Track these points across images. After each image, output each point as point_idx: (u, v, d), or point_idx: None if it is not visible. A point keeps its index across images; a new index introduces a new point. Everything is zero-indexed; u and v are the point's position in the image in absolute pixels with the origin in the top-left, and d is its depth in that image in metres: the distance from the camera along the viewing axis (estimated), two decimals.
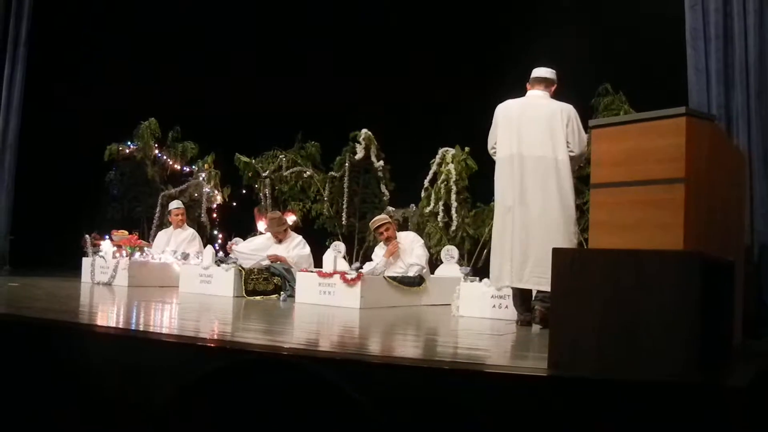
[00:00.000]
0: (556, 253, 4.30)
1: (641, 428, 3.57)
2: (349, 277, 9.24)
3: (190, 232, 12.80)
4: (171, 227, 12.91)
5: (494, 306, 8.35)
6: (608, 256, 4.27)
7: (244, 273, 10.29)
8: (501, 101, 7.85)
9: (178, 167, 16.08)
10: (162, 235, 12.91)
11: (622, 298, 3.96)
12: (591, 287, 4.07)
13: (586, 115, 7.58)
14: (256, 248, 11.21)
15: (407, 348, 5.80)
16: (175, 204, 13.04)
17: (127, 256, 11.55)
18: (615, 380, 3.76)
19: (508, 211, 7.43)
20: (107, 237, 12.08)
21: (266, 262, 10.73)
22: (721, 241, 5.36)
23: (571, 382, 3.90)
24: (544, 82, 7.72)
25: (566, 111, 7.36)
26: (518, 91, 7.89)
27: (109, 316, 7.36)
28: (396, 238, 10.43)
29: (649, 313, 3.86)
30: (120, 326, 6.16)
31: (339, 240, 13.43)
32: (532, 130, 7.38)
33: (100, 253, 11.68)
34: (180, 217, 12.77)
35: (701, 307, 3.74)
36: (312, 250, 11.21)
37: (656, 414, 3.58)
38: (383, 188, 14.39)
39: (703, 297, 3.76)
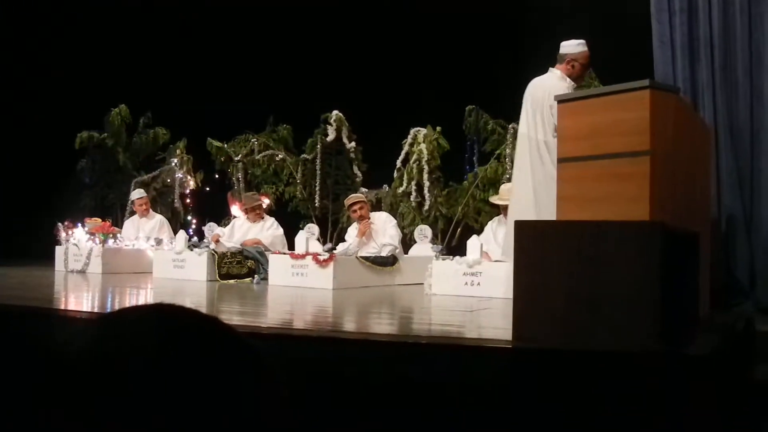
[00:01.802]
0: (519, 225, 4.34)
1: (605, 397, 3.61)
2: (321, 258, 9.25)
3: (157, 218, 12.76)
4: (137, 216, 12.84)
5: (466, 283, 8.39)
6: (570, 227, 4.32)
7: (217, 257, 10.28)
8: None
9: (150, 153, 16.02)
10: (129, 225, 12.81)
11: (585, 269, 3.99)
12: (554, 259, 4.10)
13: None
14: (239, 238, 11.21)
15: (381, 326, 5.85)
16: (137, 194, 12.98)
17: (100, 243, 11.50)
18: (579, 351, 3.80)
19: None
20: (80, 225, 12.03)
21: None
22: (687, 212, 5.41)
23: (536, 353, 3.94)
24: (558, 59, 7.50)
25: (554, 92, 7.28)
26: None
27: (83, 302, 7.37)
28: (369, 218, 10.44)
29: (612, 283, 3.90)
30: (95, 311, 6.17)
31: (313, 222, 13.44)
32: (529, 109, 7.35)
33: (73, 241, 11.63)
34: (144, 206, 12.69)
35: (662, 276, 3.78)
36: (286, 233, 11.19)
37: (620, 383, 3.63)
38: (356, 169, 14.40)
39: (664, 267, 3.80)
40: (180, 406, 0.83)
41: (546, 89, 7.19)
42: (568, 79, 7.28)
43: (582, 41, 7.37)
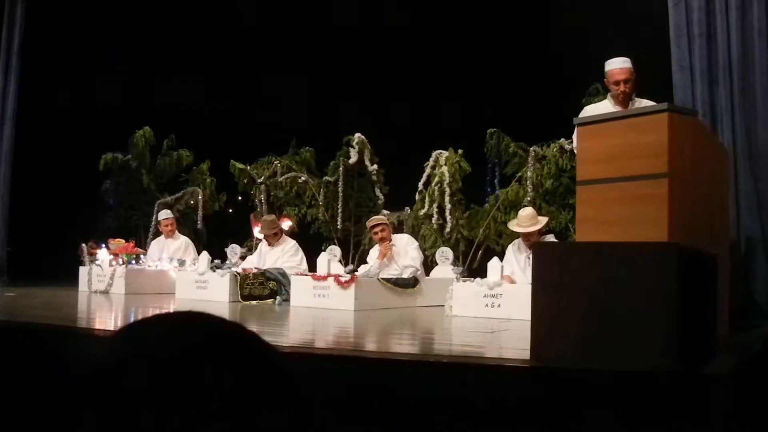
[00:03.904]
0: (537, 246, 4.38)
1: (622, 417, 3.64)
2: (342, 279, 9.30)
3: (182, 240, 12.80)
4: (163, 236, 12.92)
5: (487, 305, 8.41)
6: (588, 248, 4.35)
7: (239, 278, 10.33)
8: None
9: (174, 175, 16.14)
10: (155, 245, 12.89)
11: (602, 289, 4.03)
12: (572, 279, 4.14)
13: (577, 115, 7.57)
14: (256, 261, 11.31)
15: (402, 346, 5.89)
16: (163, 214, 13.06)
17: (123, 264, 11.58)
18: (595, 370, 3.83)
19: None
20: (104, 246, 12.12)
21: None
22: (706, 234, 5.43)
23: (553, 372, 3.97)
24: None
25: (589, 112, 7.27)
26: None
27: (106, 321, 7.44)
28: (390, 240, 10.47)
29: (629, 303, 3.93)
30: (116, 329, 6.22)
31: (335, 244, 13.49)
32: None
33: (97, 262, 11.71)
34: (169, 227, 12.74)
35: (679, 297, 3.82)
36: (308, 255, 11.22)
37: (636, 403, 3.66)
38: (378, 192, 14.42)
39: (681, 288, 3.84)
40: (200, 411, 0.84)
41: (587, 111, 7.19)
42: (613, 101, 7.26)
43: (612, 60, 7.28)
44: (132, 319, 5.42)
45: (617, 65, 7.14)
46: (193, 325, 0.96)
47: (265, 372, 0.94)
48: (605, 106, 7.17)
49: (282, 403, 0.92)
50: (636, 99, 7.07)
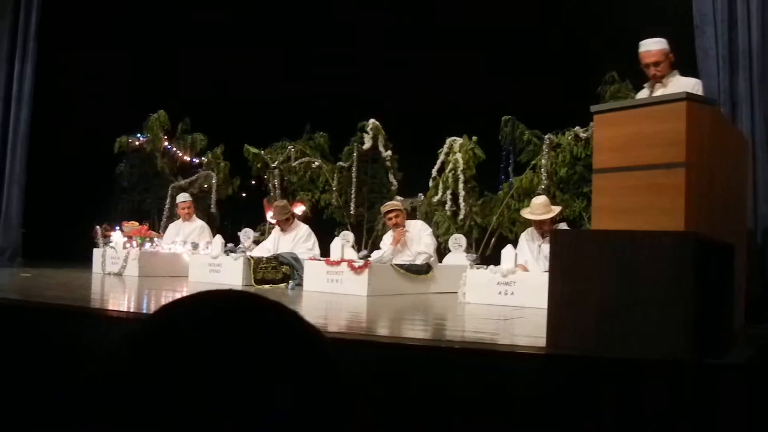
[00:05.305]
0: (555, 233, 4.36)
1: (637, 405, 3.62)
2: (356, 264, 9.30)
3: (199, 224, 12.78)
4: (180, 219, 12.92)
5: (500, 293, 8.40)
6: (604, 236, 4.33)
7: (252, 262, 10.34)
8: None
9: (188, 159, 16.15)
10: (172, 228, 12.89)
11: (618, 278, 4.01)
12: (588, 267, 4.13)
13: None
14: (270, 246, 11.31)
15: (415, 331, 5.88)
16: (181, 197, 13.03)
17: (137, 246, 11.61)
18: (611, 358, 3.82)
19: None
20: (118, 228, 12.14)
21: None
22: (723, 224, 5.39)
23: (569, 360, 3.96)
24: None
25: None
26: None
27: (119, 303, 7.46)
28: (404, 226, 10.45)
29: (645, 292, 3.91)
30: (131, 311, 6.23)
31: (348, 229, 13.49)
32: None
33: (111, 244, 11.74)
34: (187, 210, 12.73)
35: (695, 286, 3.79)
36: (321, 240, 11.22)
37: (652, 391, 3.64)
38: (391, 178, 14.42)
39: (697, 277, 3.81)
40: (232, 392, 0.82)
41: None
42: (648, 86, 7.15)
43: (643, 41, 7.00)
44: (144, 302, 5.43)
45: (645, 48, 6.91)
46: (232, 305, 0.94)
47: (304, 355, 0.92)
48: (644, 93, 7.07)
49: (320, 386, 0.91)
50: (672, 78, 6.87)
